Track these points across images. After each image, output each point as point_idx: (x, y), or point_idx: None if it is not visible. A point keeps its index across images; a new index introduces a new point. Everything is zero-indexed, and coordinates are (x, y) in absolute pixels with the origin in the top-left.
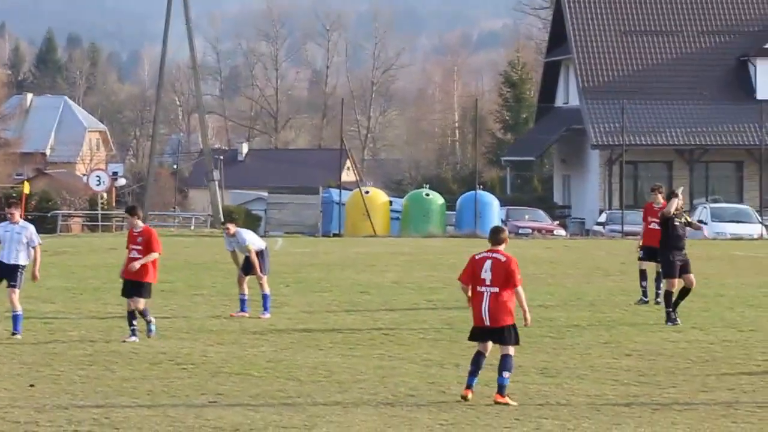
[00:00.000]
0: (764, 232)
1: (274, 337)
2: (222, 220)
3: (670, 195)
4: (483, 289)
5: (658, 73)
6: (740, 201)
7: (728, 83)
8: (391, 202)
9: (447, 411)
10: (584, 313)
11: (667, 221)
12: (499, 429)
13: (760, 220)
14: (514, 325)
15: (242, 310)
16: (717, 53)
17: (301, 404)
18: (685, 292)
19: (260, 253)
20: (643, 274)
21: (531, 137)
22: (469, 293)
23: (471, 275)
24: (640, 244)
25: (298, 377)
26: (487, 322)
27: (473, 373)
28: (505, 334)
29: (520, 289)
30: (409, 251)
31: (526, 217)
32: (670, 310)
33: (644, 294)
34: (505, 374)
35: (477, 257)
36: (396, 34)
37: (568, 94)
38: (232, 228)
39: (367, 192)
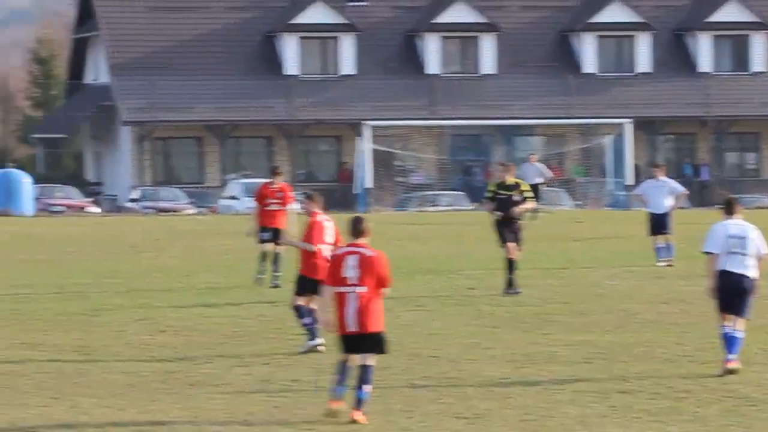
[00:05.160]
0: None
1: None
2: None
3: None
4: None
5: (187, 49)
6: None
7: (255, 59)
8: None
9: None
10: (119, 290)
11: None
12: (36, 408)
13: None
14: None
15: None
16: (243, 29)
17: None
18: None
19: None
20: (263, 256)
21: (62, 114)
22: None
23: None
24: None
25: None
26: (354, 328)
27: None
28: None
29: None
30: None
31: (58, 194)
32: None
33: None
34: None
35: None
36: None
37: (98, 71)
38: None
39: None
